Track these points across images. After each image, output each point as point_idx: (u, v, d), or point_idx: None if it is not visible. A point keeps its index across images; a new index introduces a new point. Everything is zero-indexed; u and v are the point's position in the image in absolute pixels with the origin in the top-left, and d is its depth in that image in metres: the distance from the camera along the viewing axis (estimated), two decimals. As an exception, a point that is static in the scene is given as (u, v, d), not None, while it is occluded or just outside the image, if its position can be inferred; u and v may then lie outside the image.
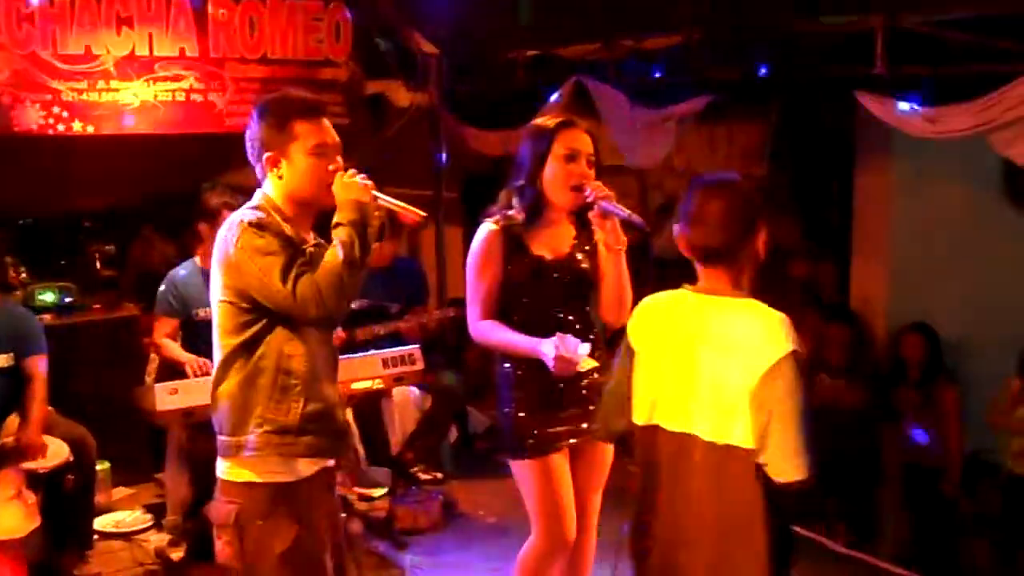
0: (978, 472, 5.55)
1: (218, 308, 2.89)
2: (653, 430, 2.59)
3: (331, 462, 3.03)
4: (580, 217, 3.44)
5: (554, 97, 6.26)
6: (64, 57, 5.66)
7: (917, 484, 5.53)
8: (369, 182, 2.86)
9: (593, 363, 3.27)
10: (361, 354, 4.92)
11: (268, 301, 2.76)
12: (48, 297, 5.80)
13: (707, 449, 2.45)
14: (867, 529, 5.43)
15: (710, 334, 2.48)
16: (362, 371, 4.81)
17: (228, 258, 2.79)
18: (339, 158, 2.91)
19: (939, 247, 5.77)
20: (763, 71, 5.63)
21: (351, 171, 2.87)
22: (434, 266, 7.20)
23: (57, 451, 4.65)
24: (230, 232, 2.80)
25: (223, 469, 2.89)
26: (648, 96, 6.08)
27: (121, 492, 5.75)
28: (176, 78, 6.05)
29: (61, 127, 5.70)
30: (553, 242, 3.43)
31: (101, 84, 5.80)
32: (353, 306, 5.78)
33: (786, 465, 2.35)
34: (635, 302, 3.55)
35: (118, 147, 6.10)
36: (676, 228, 2.57)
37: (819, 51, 5.36)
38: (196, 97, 6.11)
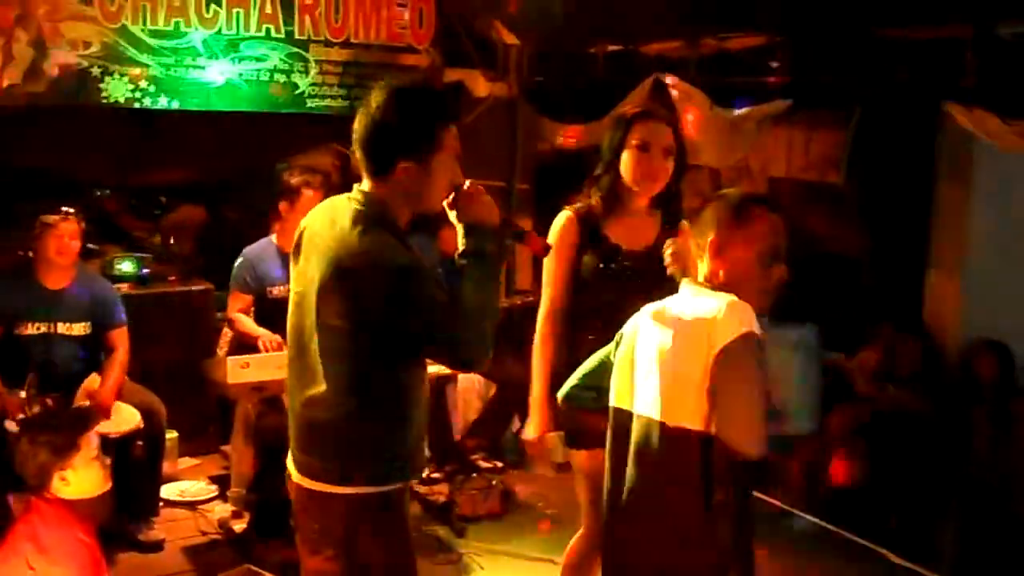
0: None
1: (330, 333, 2.57)
2: (614, 412, 2.69)
3: None
4: (667, 212, 3.45)
5: (633, 93, 6.24)
6: (154, 32, 5.76)
7: (983, 502, 5.46)
8: (492, 200, 2.58)
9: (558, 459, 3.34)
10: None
11: (419, 349, 2.55)
12: (127, 267, 5.90)
13: (659, 430, 2.51)
14: (928, 543, 5.36)
15: (677, 319, 2.54)
16: (430, 356, 4.85)
17: (366, 296, 2.48)
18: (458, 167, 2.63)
19: (1019, 262, 5.67)
20: (847, 77, 5.57)
21: (470, 182, 2.58)
22: (504, 257, 7.21)
23: (128, 417, 4.75)
24: (371, 269, 2.47)
25: (315, 485, 2.65)
26: (728, 96, 6.04)
27: (187, 462, 5.85)
28: (260, 58, 6.14)
29: (148, 101, 5.81)
30: (634, 233, 3.43)
31: (188, 60, 5.90)
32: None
33: (746, 440, 2.37)
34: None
35: (199, 123, 6.20)
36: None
37: (906, 59, 5.29)
38: (279, 77, 6.19)
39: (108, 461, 3.57)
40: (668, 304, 2.63)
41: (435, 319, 2.47)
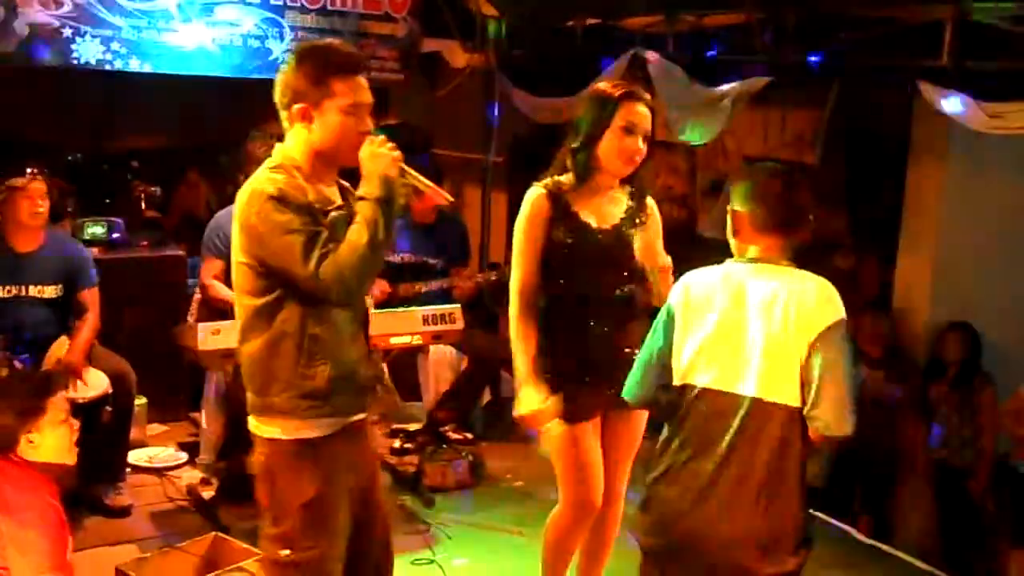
0: (1006, 475, 5.52)
1: (237, 268, 2.80)
2: (687, 390, 2.68)
3: (359, 415, 2.96)
4: (634, 189, 3.48)
5: (610, 68, 6.22)
6: (127, -7, 5.69)
7: (944, 482, 5.52)
8: (397, 154, 2.75)
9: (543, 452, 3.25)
10: (402, 309, 4.97)
11: (289, 279, 2.68)
12: (97, 231, 5.84)
13: (751, 407, 2.57)
14: (891, 522, 5.43)
15: (762, 297, 2.61)
16: (402, 326, 4.85)
17: (248, 227, 2.71)
18: (370, 120, 2.80)
19: (989, 246, 5.71)
20: (823, 57, 5.57)
21: (380, 138, 2.76)
22: (478, 229, 7.19)
23: (97, 382, 4.70)
24: (251, 202, 2.70)
25: (252, 423, 2.87)
26: (705, 73, 6.03)
27: (155, 428, 5.82)
28: (235, 22, 6.07)
29: (119, 63, 5.74)
30: (602, 210, 3.45)
31: (161, 23, 5.83)
32: (395, 260, 5.90)
33: (838, 421, 2.51)
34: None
35: (172, 88, 6.13)
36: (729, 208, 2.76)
37: (883, 40, 5.30)
38: (253, 43, 6.12)
39: (77, 425, 3.52)
40: (740, 280, 2.66)
41: (286, 247, 2.63)
